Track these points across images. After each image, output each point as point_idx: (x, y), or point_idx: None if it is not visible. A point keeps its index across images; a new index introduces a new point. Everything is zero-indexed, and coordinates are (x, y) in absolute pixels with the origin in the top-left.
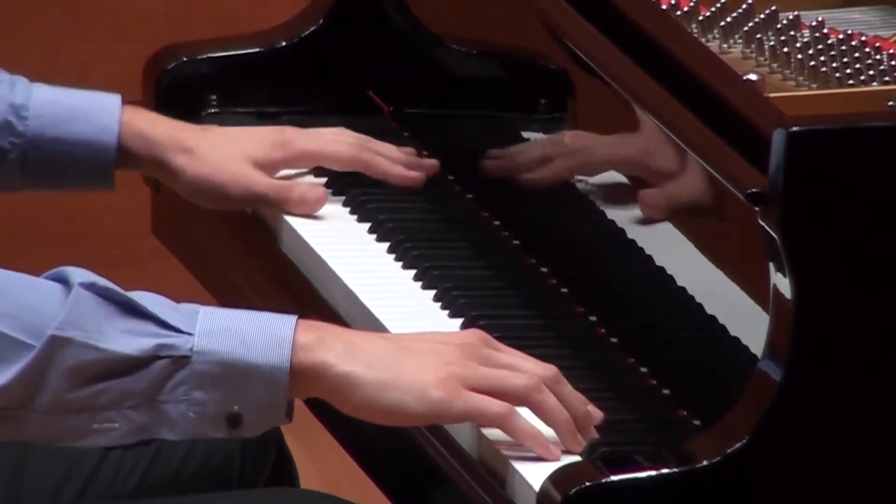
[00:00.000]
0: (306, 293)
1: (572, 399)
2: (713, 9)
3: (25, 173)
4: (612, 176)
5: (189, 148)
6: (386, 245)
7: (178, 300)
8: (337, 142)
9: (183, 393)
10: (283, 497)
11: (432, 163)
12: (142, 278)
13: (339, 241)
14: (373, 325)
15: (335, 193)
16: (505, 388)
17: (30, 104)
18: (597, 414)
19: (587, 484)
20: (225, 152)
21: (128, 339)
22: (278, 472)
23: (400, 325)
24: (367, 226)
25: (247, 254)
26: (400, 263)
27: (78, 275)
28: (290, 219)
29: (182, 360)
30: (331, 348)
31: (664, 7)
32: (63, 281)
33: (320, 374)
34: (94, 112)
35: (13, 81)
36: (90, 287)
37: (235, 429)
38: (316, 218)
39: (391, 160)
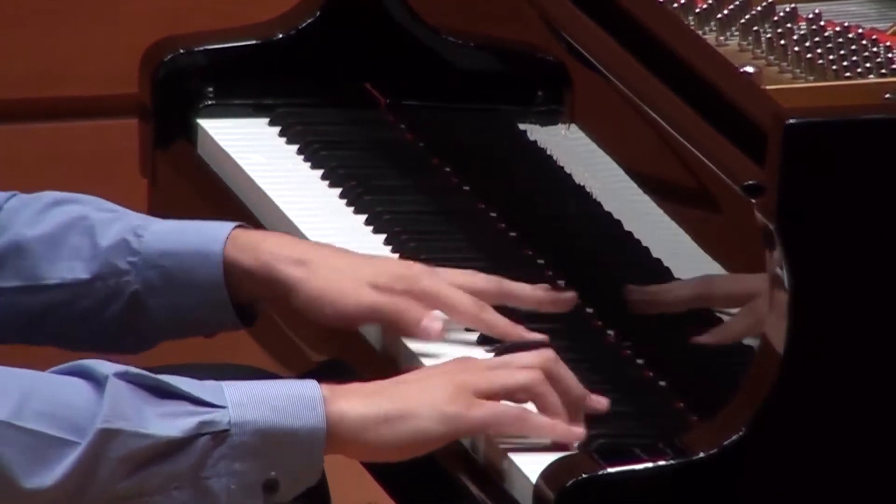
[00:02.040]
0: None
1: (570, 384)
2: (710, 1)
3: (148, 308)
4: (611, 172)
5: (303, 260)
6: (382, 237)
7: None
8: (459, 293)
9: (224, 467)
10: None
11: (570, 296)
12: None
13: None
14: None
15: (314, 166)
16: (511, 386)
17: (149, 226)
18: (602, 401)
19: (584, 476)
20: (342, 271)
21: (168, 421)
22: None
23: None
24: (363, 217)
25: None
26: (396, 256)
27: (103, 366)
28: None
29: (222, 435)
30: (342, 397)
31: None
32: (84, 374)
33: (338, 424)
34: (207, 227)
35: (147, 217)
36: (123, 376)
37: (271, 495)
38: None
39: (526, 299)
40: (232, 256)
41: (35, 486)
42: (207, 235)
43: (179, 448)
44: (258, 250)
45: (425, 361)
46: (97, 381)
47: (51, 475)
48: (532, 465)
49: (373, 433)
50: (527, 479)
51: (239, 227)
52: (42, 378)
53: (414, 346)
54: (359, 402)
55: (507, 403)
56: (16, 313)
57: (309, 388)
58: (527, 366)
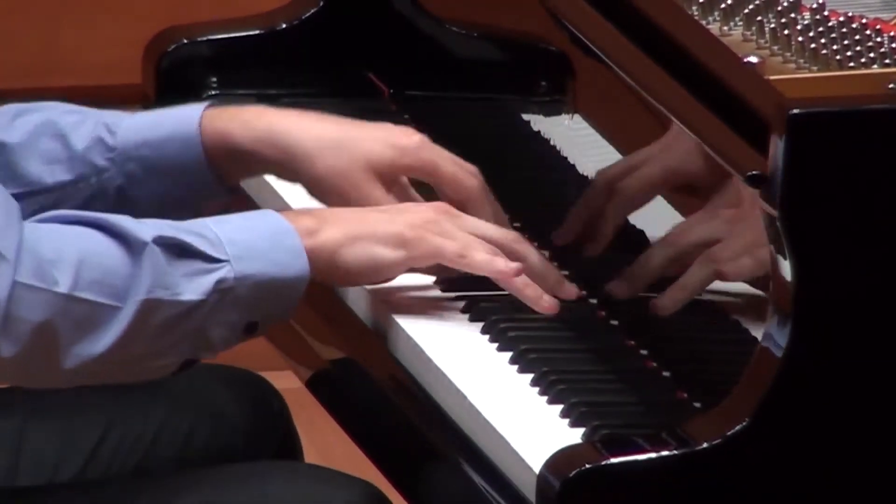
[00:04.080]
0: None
1: (534, 261)
2: None
3: (135, 200)
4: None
5: (303, 125)
6: None
7: None
8: (457, 168)
9: (222, 317)
10: (285, 471)
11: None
12: None
13: None
14: None
15: None
16: (470, 256)
17: (121, 121)
18: (570, 289)
19: (587, 466)
20: (341, 155)
21: (190, 282)
22: (283, 450)
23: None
24: None
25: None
26: None
27: (139, 229)
28: None
29: (228, 290)
30: (321, 228)
31: None
32: (116, 235)
33: (322, 250)
34: (179, 110)
35: (117, 113)
36: (158, 241)
37: (250, 335)
38: None
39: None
40: (219, 132)
41: (87, 353)
42: (181, 118)
43: (197, 308)
44: (243, 113)
45: (417, 339)
46: (131, 245)
47: (102, 342)
48: (513, 433)
49: (339, 256)
50: (530, 469)
51: (211, 105)
52: (88, 241)
53: (404, 322)
54: (333, 228)
55: (451, 242)
56: None
57: (287, 233)
58: (491, 238)
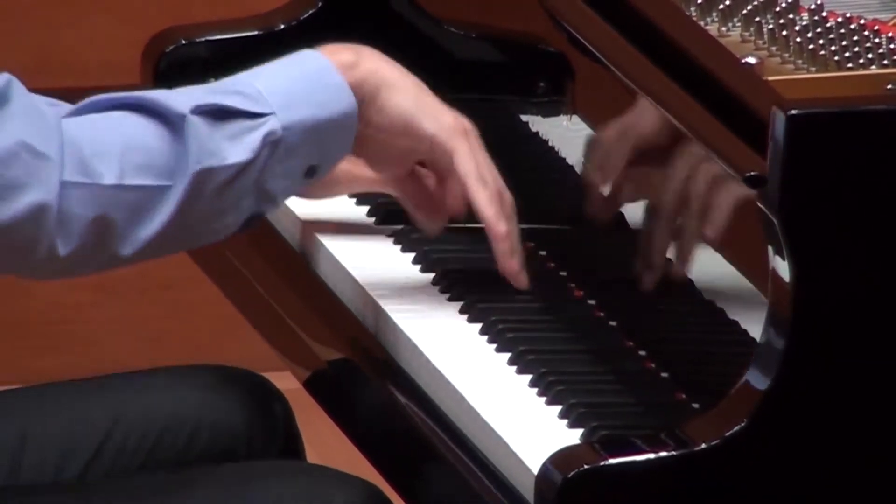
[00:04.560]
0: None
1: (512, 230)
2: None
3: None
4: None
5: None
6: (390, 228)
7: None
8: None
9: (279, 168)
10: (285, 471)
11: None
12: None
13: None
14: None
15: None
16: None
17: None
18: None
19: (586, 467)
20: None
21: (238, 143)
22: (286, 452)
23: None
24: (365, 209)
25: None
26: (399, 247)
27: (173, 102)
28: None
29: (277, 141)
30: (364, 58)
31: None
32: (153, 113)
33: (366, 82)
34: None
35: None
36: (197, 110)
37: (311, 178)
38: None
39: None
40: None
41: (143, 237)
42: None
43: (248, 166)
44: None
45: (415, 340)
46: (171, 121)
47: (157, 221)
48: (512, 434)
49: (383, 94)
50: (528, 470)
51: None
52: (127, 127)
53: (403, 323)
54: (383, 66)
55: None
56: None
57: (327, 70)
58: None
